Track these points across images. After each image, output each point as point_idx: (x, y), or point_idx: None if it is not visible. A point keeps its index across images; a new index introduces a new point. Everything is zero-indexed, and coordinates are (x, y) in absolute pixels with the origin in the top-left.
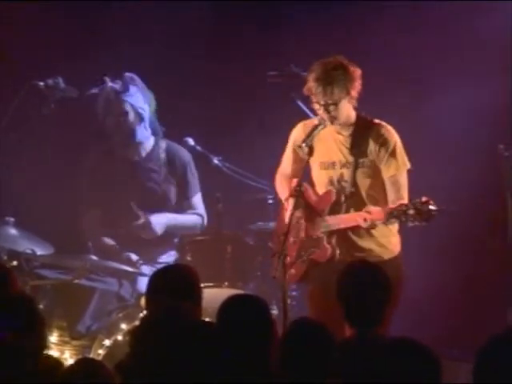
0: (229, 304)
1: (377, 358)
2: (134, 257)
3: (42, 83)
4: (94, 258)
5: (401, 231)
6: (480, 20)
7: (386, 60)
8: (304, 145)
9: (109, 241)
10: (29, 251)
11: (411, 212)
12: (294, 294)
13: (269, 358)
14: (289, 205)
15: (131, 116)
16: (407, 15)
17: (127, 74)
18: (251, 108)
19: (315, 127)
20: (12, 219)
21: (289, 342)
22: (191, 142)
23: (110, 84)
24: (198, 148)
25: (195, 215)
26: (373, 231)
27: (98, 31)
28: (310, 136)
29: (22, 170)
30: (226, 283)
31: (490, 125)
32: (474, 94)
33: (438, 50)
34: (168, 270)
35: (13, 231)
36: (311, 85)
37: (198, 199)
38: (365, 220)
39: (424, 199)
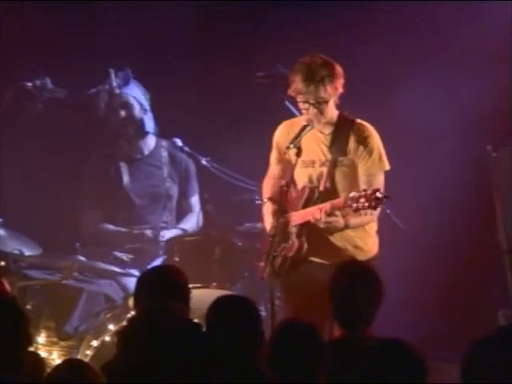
0: (217, 305)
1: (365, 358)
2: (125, 257)
3: (29, 84)
4: (82, 258)
5: (383, 232)
6: (474, 20)
7: (375, 61)
8: (292, 146)
9: (111, 226)
10: (16, 251)
11: (362, 200)
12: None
13: (257, 358)
14: (266, 206)
15: (136, 107)
16: (401, 16)
17: (123, 70)
18: (240, 109)
19: (303, 128)
20: (0, 219)
21: (277, 342)
22: (179, 142)
23: (111, 78)
24: (186, 149)
25: (194, 218)
26: (348, 231)
27: (87, 32)
28: (298, 137)
29: (9, 170)
30: (214, 284)
31: (478, 125)
32: (460, 94)
33: (424, 49)
34: (156, 270)
35: (0, 231)
36: (299, 85)
37: (196, 200)
38: (320, 210)
39: (374, 188)
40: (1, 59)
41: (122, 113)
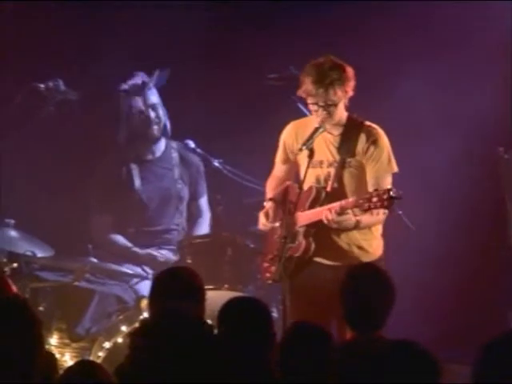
0: (229, 306)
1: (376, 360)
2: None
3: (42, 85)
4: (94, 260)
5: (393, 234)
6: (486, 20)
7: (386, 63)
8: (304, 147)
9: (121, 239)
10: (29, 253)
11: (374, 199)
12: None
13: (269, 360)
14: (267, 207)
15: (161, 109)
16: (412, 16)
17: (142, 73)
18: (252, 111)
19: (316, 130)
20: (12, 221)
21: (287, 344)
22: (192, 144)
23: (144, 77)
24: (199, 150)
25: (206, 222)
26: (354, 233)
27: (100, 34)
28: (310, 139)
29: (22, 172)
30: (226, 286)
31: (489, 126)
32: (473, 95)
33: (436, 50)
34: (171, 272)
35: (13, 233)
36: (309, 87)
37: (204, 201)
38: (330, 210)
39: (387, 187)
40: (13, 60)
41: (152, 113)
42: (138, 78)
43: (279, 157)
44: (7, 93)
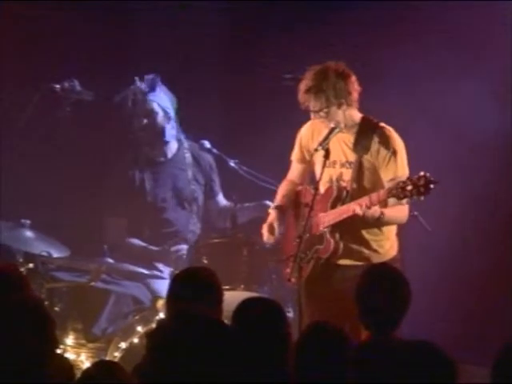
0: (244, 306)
1: (392, 360)
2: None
3: (57, 86)
4: (110, 260)
5: (408, 236)
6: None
7: (400, 66)
8: (320, 148)
9: (136, 241)
10: (45, 254)
11: (409, 188)
12: None
13: (285, 360)
14: (270, 219)
15: (160, 115)
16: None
17: (148, 76)
18: (267, 111)
19: (331, 130)
20: (28, 222)
21: (304, 344)
22: (207, 144)
23: (138, 84)
24: (215, 151)
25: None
26: (364, 234)
27: (117, 36)
28: (326, 139)
29: (38, 173)
30: (242, 286)
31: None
32: (506, 100)
33: (473, 51)
34: (190, 272)
35: (29, 234)
36: (300, 93)
37: (221, 198)
38: (360, 206)
39: (421, 174)
40: (30, 61)
41: (145, 120)
42: (135, 85)
43: (295, 155)
44: (24, 94)
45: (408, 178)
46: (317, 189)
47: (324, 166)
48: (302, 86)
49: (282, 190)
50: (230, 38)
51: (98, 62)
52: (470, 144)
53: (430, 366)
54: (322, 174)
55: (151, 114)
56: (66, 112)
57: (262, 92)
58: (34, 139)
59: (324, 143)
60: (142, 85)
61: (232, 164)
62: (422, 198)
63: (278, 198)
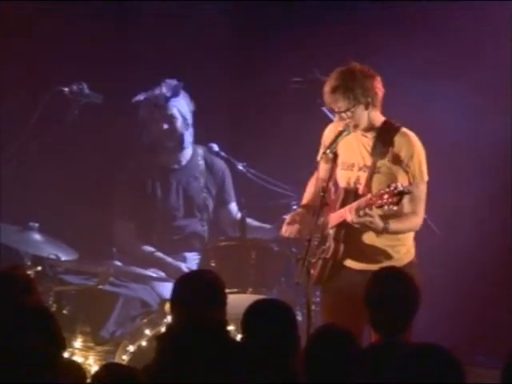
0: (253, 308)
1: (401, 363)
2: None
3: (66, 89)
4: (118, 263)
5: (418, 239)
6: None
7: (421, 65)
8: (328, 151)
9: (148, 248)
10: (53, 256)
11: (386, 196)
12: (317, 300)
13: (293, 363)
14: (294, 214)
15: (179, 121)
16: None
17: (171, 81)
18: (276, 114)
19: (340, 133)
20: (36, 224)
21: (313, 347)
22: (215, 147)
23: (161, 88)
24: (223, 154)
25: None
26: (379, 238)
27: (125, 39)
28: (334, 142)
29: (45, 175)
30: (250, 289)
31: None
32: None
33: (483, 55)
34: (193, 275)
35: (37, 236)
36: (324, 93)
37: (234, 206)
38: (349, 210)
39: (394, 184)
40: (38, 63)
41: (165, 126)
42: (158, 89)
43: (320, 156)
44: (32, 97)
45: (387, 187)
46: (325, 191)
47: (333, 168)
48: (328, 87)
49: (311, 188)
50: (235, 39)
51: (106, 64)
52: (481, 143)
53: (438, 368)
54: (331, 175)
55: (171, 119)
56: (74, 115)
57: (270, 94)
58: (42, 142)
59: (332, 147)
60: (164, 89)
61: (240, 167)
62: (395, 208)
63: (306, 195)
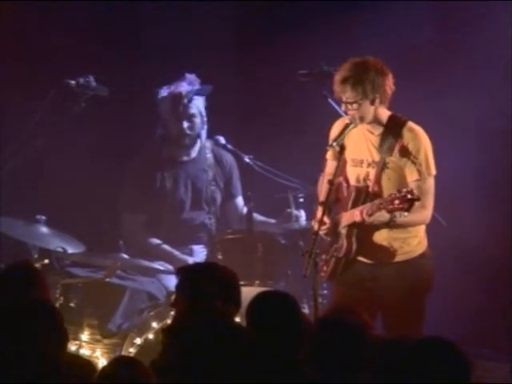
0: (258, 300)
1: (408, 355)
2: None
3: (73, 82)
4: (125, 256)
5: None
6: None
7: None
8: (335, 144)
9: (154, 240)
10: (60, 249)
11: (396, 202)
12: (324, 292)
13: (297, 355)
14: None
15: (198, 120)
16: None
17: (191, 76)
18: (282, 106)
19: (346, 126)
20: (43, 217)
21: (318, 339)
22: (222, 140)
23: (187, 85)
24: (229, 146)
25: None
26: (387, 232)
27: (131, 34)
28: (341, 135)
29: (52, 169)
30: (257, 282)
31: None
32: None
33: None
34: (198, 266)
35: (44, 229)
36: (334, 82)
37: (240, 200)
38: (361, 212)
39: (405, 190)
40: (45, 56)
41: (185, 123)
42: (182, 86)
43: (328, 153)
44: (39, 90)
45: (398, 191)
46: (331, 184)
47: (339, 162)
48: (339, 77)
49: (322, 186)
50: (246, 32)
51: (113, 58)
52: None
53: (443, 361)
54: (336, 169)
55: (192, 118)
56: (81, 108)
57: (277, 88)
58: (49, 135)
59: (339, 139)
60: (186, 85)
61: (247, 160)
62: (406, 214)
63: (320, 193)
